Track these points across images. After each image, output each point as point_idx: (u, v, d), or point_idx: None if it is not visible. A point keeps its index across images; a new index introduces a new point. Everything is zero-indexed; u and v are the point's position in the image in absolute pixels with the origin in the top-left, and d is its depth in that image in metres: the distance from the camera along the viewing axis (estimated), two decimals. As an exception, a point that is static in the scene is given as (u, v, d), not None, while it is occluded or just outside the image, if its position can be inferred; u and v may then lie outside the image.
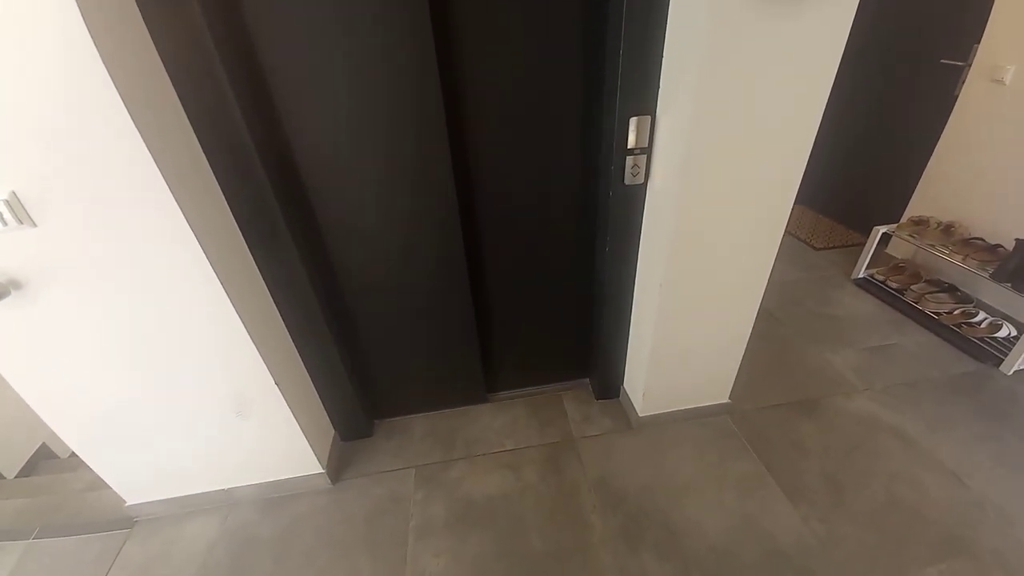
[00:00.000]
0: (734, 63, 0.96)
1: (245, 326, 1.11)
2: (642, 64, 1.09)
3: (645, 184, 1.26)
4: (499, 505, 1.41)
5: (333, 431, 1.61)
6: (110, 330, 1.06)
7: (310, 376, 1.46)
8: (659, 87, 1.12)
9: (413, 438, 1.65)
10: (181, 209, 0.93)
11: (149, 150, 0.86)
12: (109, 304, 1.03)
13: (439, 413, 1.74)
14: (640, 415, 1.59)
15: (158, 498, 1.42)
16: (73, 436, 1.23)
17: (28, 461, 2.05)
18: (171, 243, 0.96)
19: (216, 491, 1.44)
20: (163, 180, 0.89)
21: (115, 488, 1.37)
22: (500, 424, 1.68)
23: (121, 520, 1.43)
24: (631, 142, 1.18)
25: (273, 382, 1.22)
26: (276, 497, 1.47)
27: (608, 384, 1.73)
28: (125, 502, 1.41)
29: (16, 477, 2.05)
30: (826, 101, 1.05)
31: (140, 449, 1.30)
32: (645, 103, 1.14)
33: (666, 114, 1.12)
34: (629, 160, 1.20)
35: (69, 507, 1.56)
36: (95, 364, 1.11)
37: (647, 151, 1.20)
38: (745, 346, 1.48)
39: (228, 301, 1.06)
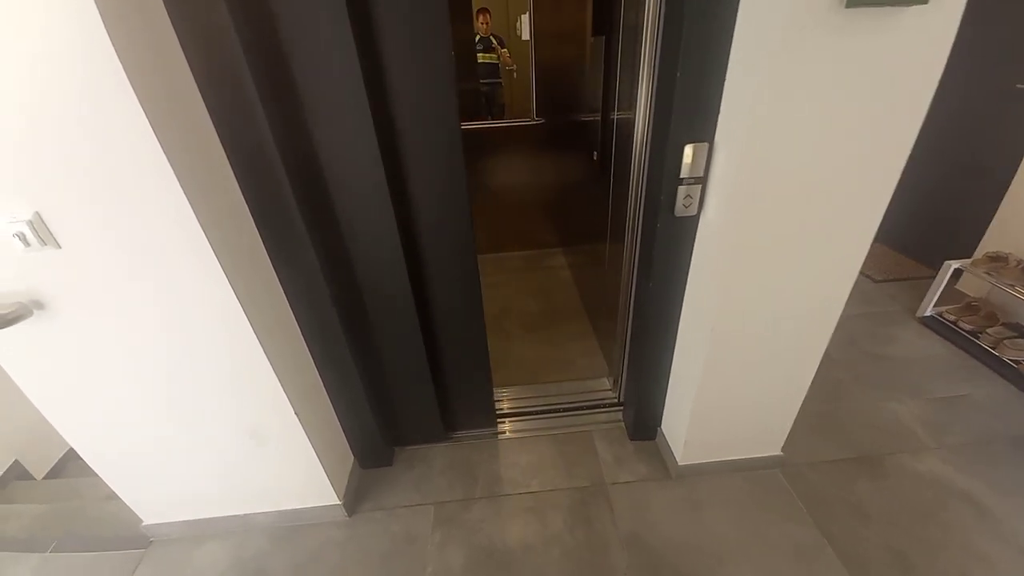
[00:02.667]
0: (810, 87, 0.85)
1: (267, 355, 1.06)
2: (701, 86, 0.99)
3: (697, 217, 1.15)
4: (521, 557, 1.30)
5: (352, 458, 1.55)
6: (131, 354, 1.03)
7: (331, 400, 1.40)
8: (719, 112, 1.01)
9: (434, 470, 1.57)
10: (206, 234, 0.88)
11: (177, 177, 0.82)
12: (131, 328, 0.99)
13: (461, 444, 1.65)
14: (680, 463, 1.45)
15: (174, 520, 1.39)
16: (91, 455, 1.21)
17: (58, 462, 2.08)
18: (195, 269, 0.92)
19: (232, 516, 1.39)
20: (190, 206, 0.85)
21: (132, 507, 1.35)
22: (525, 462, 1.57)
23: (137, 538, 1.41)
24: (684, 170, 1.07)
25: (292, 412, 1.17)
26: (292, 526, 1.41)
27: (644, 424, 1.60)
28: (142, 521, 1.38)
29: (44, 478, 2.09)
30: (918, 132, 0.91)
31: (158, 470, 1.27)
32: (702, 129, 1.04)
33: (726, 142, 1.01)
34: (681, 190, 1.09)
35: (89, 515, 1.55)
36: (115, 387, 1.08)
37: (702, 181, 1.09)
38: (804, 398, 1.33)
39: (252, 331, 1.01)
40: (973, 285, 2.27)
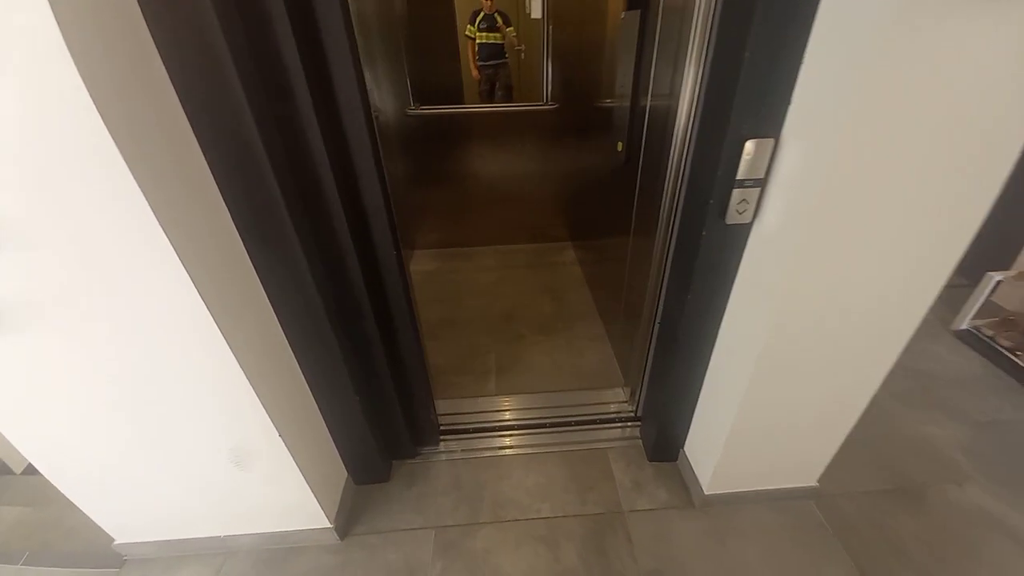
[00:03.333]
0: (929, 77, 0.69)
1: (245, 371, 0.91)
2: (773, 71, 0.82)
3: (750, 225, 0.99)
4: (532, 594, 1.18)
5: (345, 474, 1.41)
6: (92, 369, 0.88)
7: (321, 413, 1.26)
8: (790, 102, 0.85)
9: (435, 489, 1.44)
10: (165, 232, 0.72)
11: (128, 165, 0.66)
12: (92, 343, 0.84)
13: (466, 462, 1.52)
14: (705, 492, 1.32)
15: (149, 540, 1.26)
16: (54, 473, 1.07)
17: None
18: (153, 273, 0.77)
19: (212, 537, 1.26)
20: (143, 196, 0.69)
21: (103, 527, 1.21)
22: (534, 483, 1.44)
23: (110, 556, 1.28)
24: (742, 171, 0.91)
25: (276, 433, 1.02)
26: (278, 549, 1.29)
27: (665, 444, 1.47)
28: (114, 540, 1.25)
29: (23, 473, 1.96)
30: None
31: (126, 489, 1.13)
32: (768, 122, 0.87)
33: (797, 138, 0.84)
34: (736, 194, 0.93)
35: (66, 525, 1.42)
36: (77, 403, 0.93)
37: (761, 184, 0.93)
38: (851, 428, 1.19)
39: (226, 345, 0.86)
40: (1011, 297, 2.12)
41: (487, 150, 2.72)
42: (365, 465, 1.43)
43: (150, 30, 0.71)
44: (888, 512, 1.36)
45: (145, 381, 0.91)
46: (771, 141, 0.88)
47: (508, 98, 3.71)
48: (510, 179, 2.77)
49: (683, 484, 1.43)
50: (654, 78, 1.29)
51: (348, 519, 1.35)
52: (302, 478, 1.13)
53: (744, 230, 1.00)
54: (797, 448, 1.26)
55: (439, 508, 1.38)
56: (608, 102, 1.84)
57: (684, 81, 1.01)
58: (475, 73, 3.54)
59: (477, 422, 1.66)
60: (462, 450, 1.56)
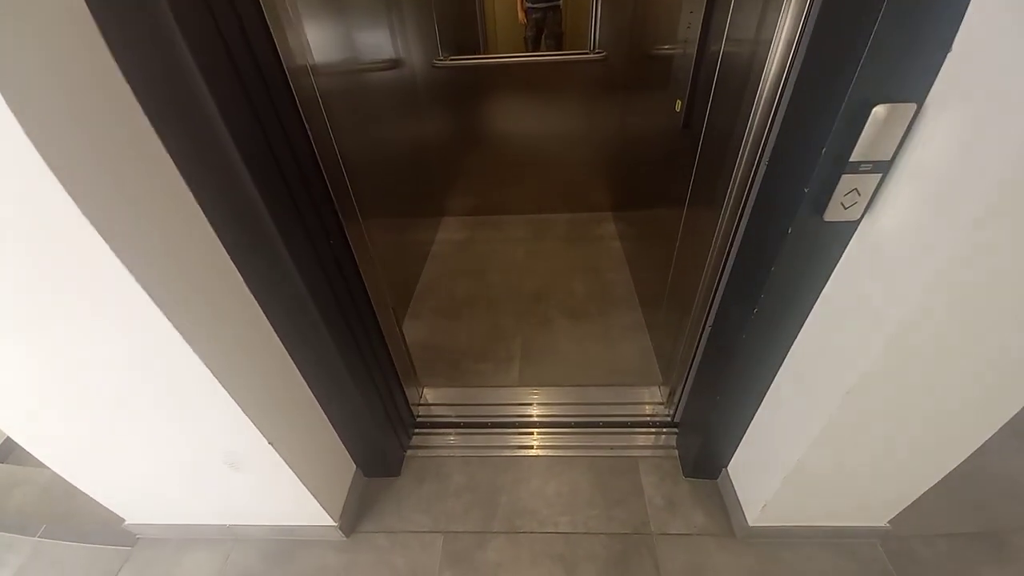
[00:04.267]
0: None
1: (218, 379, 0.79)
2: (932, 8, 0.55)
3: (857, 223, 0.74)
4: (544, 622, 1.07)
5: (353, 467, 1.34)
6: (51, 369, 0.79)
7: (323, 408, 1.16)
8: (950, 49, 0.57)
9: (447, 488, 1.34)
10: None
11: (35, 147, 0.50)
12: (50, 345, 0.74)
13: (481, 460, 1.41)
14: (750, 524, 1.15)
15: (158, 522, 1.24)
16: (54, 461, 1.03)
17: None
18: (103, 279, 0.63)
19: (219, 526, 1.23)
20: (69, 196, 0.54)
21: (111, 508, 1.20)
22: (554, 491, 1.31)
23: (123, 535, 1.28)
24: (860, 149, 0.65)
25: (266, 442, 0.92)
26: (285, 541, 1.24)
27: (705, 460, 1.29)
28: (124, 520, 1.25)
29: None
30: None
31: (129, 479, 1.09)
32: (909, 80, 0.60)
33: (954, 105, 0.58)
34: (847, 180, 0.68)
35: (80, 500, 1.44)
36: (39, 396, 0.86)
37: (884, 169, 0.67)
38: (948, 472, 0.96)
39: (189, 348, 0.73)
40: None
41: (523, 106, 2.43)
42: (373, 458, 1.34)
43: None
44: (970, 560, 1.15)
45: (118, 388, 0.81)
46: (911, 107, 0.61)
47: (558, 46, 3.29)
48: (547, 139, 2.49)
49: (723, 508, 1.25)
50: (733, 15, 0.99)
51: (356, 514, 1.29)
52: (299, 482, 1.04)
53: (847, 230, 0.75)
54: (873, 488, 1.04)
55: (450, 511, 1.29)
56: (666, 49, 1.53)
57: (781, 18, 0.73)
58: (521, 17, 3.13)
59: (496, 415, 1.54)
60: (477, 446, 1.44)
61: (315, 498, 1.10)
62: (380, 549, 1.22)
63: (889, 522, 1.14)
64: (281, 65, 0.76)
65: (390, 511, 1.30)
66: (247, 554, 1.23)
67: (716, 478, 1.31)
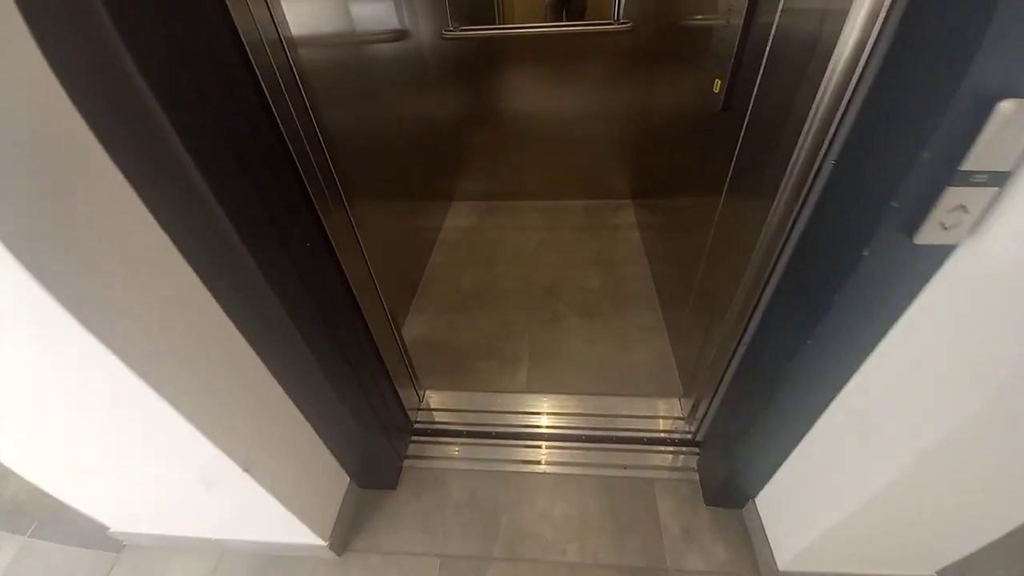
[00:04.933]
0: None
1: (171, 401, 0.68)
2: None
3: (954, 246, 0.58)
4: (545, 664, 0.99)
5: (347, 480, 1.26)
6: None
7: (308, 421, 1.07)
8: None
9: (446, 505, 1.25)
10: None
11: None
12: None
13: (483, 473, 1.31)
14: (780, 569, 1.03)
15: (143, 531, 1.19)
16: (30, 474, 0.97)
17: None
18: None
19: (204, 539, 1.17)
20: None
21: (95, 517, 1.14)
22: (562, 514, 1.21)
23: (109, 542, 1.23)
24: (975, 156, 0.49)
25: (240, 470, 0.83)
26: (272, 557, 1.18)
27: (731, 488, 1.17)
28: (108, 528, 1.19)
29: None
30: None
31: (109, 494, 1.03)
32: (1061, 61, 0.44)
33: None
34: (952, 194, 0.52)
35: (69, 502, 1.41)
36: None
37: (1001, 181, 0.51)
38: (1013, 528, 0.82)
39: (126, 369, 0.62)
40: None
41: (540, 82, 2.24)
42: (367, 469, 1.26)
43: None
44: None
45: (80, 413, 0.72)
46: (1059, 101, 0.45)
47: (581, 16, 3.02)
48: (565, 119, 2.30)
49: (748, 543, 1.13)
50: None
51: (349, 529, 1.21)
52: (279, 505, 0.96)
53: (939, 254, 0.59)
54: (927, 540, 0.91)
55: (448, 530, 1.20)
56: (704, 20, 1.33)
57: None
58: None
59: (501, 424, 1.43)
60: (480, 459, 1.35)
61: (301, 519, 1.02)
62: (373, 570, 1.14)
63: (938, 572, 1.01)
64: (237, 35, 0.62)
65: (384, 528, 1.22)
66: (235, 564, 1.17)
67: (741, 508, 1.19)
